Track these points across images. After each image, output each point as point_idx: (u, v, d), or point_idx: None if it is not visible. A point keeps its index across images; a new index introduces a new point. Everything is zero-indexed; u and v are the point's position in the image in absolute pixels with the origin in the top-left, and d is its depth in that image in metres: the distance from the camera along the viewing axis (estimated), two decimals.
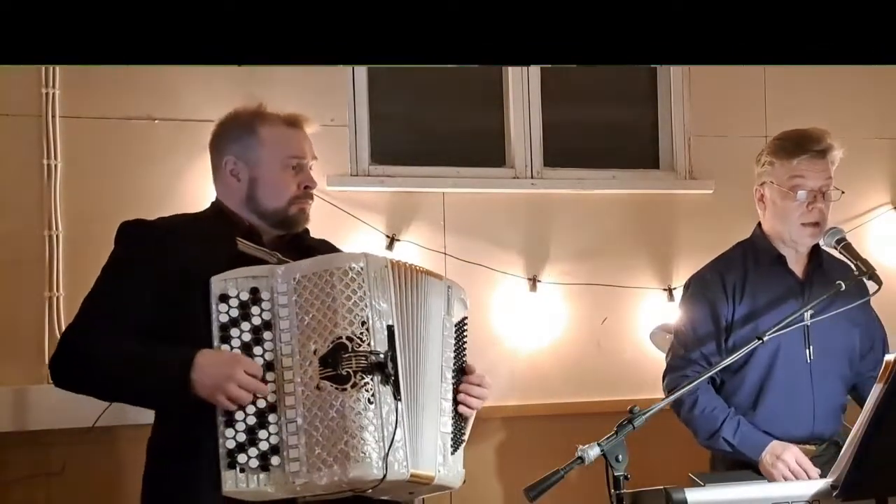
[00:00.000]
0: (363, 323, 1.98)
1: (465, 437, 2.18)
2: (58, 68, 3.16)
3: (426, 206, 3.54)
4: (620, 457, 1.98)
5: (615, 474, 1.98)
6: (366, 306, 1.99)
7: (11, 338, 3.10)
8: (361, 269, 2.02)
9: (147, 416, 2.15)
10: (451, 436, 2.12)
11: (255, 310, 2.00)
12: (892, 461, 2.04)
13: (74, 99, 3.19)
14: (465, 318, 2.25)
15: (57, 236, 3.15)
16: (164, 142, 3.26)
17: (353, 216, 3.42)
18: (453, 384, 2.15)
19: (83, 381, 2.06)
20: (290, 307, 2.00)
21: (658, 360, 3.59)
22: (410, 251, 3.42)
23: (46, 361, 3.11)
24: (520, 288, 3.58)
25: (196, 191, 3.25)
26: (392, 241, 3.46)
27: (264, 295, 2.01)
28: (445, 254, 3.49)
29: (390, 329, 2.01)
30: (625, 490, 1.99)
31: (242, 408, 1.95)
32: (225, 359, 1.96)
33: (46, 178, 3.15)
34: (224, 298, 2.00)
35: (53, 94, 3.16)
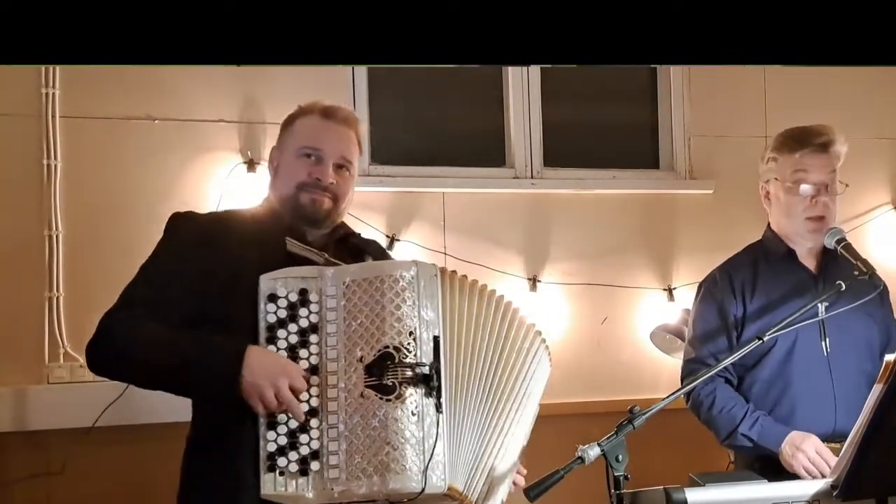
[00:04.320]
0: (411, 333, 1.96)
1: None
2: (58, 68, 3.16)
3: (426, 206, 3.54)
4: (620, 457, 1.98)
5: (615, 474, 1.98)
6: (415, 316, 1.97)
7: (11, 338, 3.10)
8: (412, 277, 2.00)
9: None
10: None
11: (302, 311, 1.99)
12: (892, 461, 2.04)
13: (74, 99, 3.19)
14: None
15: (57, 236, 3.15)
16: (164, 142, 3.26)
17: (353, 216, 3.41)
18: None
19: (123, 365, 2.03)
20: (338, 311, 1.99)
21: (658, 359, 3.61)
22: (410, 251, 3.42)
23: (46, 362, 3.12)
24: (520, 288, 3.58)
25: (196, 191, 3.26)
26: (392, 241, 3.46)
27: (312, 297, 2.00)
28: (445, 254, 3.49)
29: (436, 340, 1.99)
30: (625, 490, 1.99)
31: (284, 411, 1.94)
32: (275, 363, 1.94)
33: (46, 178, 3.15)
34: (273, 298, 1.99)
35: (53, 94, 3.16)
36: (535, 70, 3.73)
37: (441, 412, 1.95)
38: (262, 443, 1.93)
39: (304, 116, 2.26)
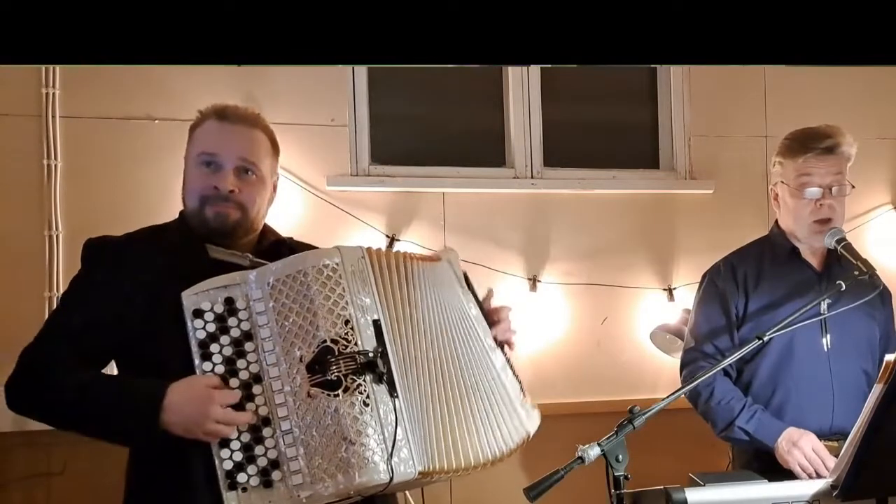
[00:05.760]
0: (347, 322, 1.87)
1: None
2: (58, 68, 3.16)
3: (426, 206, 3.55)
4: (620, 457, 1.98)
5: (615, 474, 1.98)
6: (347, 303, 1.88)
7: (11, 338, 3.07)
8: (337, 264, 1.90)
9: None
10: (520, 387, 2.09)
11: (232, 321, 1.90)
12: (892, 461, 2.05)
13: (74, 99, 3.19)
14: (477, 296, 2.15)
15: (57, 236, 3.15)
16: (164, 142, 3.25)
17: (353, 216, 3.43)
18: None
19: (42, 411, 1.96)
20: (269, 314, 1.89)
21: (658, 359, 3.61)
22: (411, 251, 3.42)
23: None
24: (520, 288, 3.58)
25: None
26: (392, 240, 3.46)
27: (239, 304, 1.90)
28: None
29: (377, 324, 1.91)
30: (625, 490, 1.99)
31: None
32: (197, 394, 1.84)
33: (46, 178, 3.15)
34: (198, 314, 1.89)
35: (53, 94, 3.16)
36: (535, 70, 3.73)
37: (396, 396, 1.88)
38: (217, 462, 1.85)
39: (202, 122, 2.09)
